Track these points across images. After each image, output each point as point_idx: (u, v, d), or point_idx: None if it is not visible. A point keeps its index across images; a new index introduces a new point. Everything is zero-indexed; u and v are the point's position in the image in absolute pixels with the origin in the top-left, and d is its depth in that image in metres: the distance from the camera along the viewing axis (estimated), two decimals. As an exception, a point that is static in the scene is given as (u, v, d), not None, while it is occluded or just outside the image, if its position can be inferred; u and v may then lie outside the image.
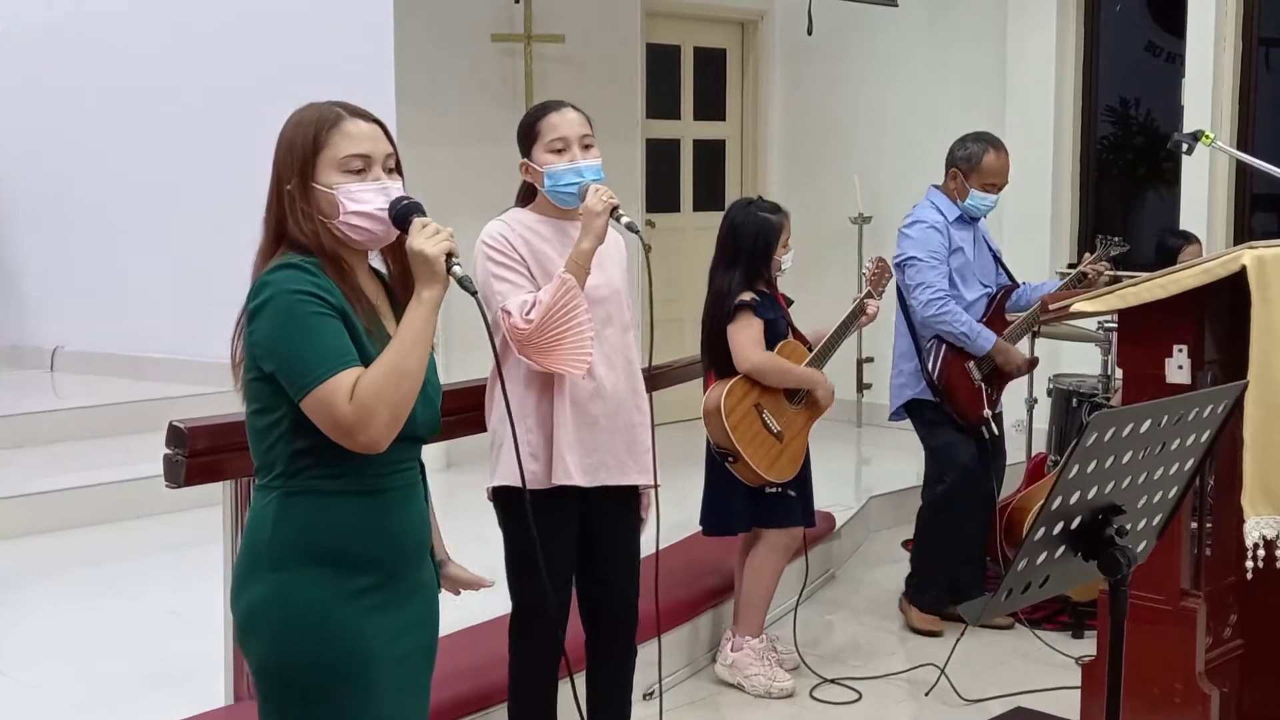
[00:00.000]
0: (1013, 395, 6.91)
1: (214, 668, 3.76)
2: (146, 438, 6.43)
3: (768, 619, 4.72)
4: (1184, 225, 6.77)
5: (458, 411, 3.91)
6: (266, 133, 7.67)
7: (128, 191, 7.54)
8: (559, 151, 3.38)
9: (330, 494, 2.30)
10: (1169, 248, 5.84)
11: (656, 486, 3.54)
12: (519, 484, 3.34)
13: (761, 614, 4.65)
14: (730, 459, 4.36)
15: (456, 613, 4.19)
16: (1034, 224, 7.43)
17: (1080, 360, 6.52)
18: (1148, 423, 2.29)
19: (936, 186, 5.12)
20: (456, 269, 2.30)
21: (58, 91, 7.72)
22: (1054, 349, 6.86)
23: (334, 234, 2.34)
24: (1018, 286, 5.20)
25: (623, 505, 3.57)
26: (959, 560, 5.12)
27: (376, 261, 2.49)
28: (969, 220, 5.07)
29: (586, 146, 3.41)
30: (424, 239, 2.27)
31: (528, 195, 3.52)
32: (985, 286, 5.08)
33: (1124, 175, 8.17)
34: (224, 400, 6.12)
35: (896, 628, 5.20)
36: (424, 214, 2.33)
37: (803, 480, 4.58)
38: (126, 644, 4.53)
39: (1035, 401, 6.07)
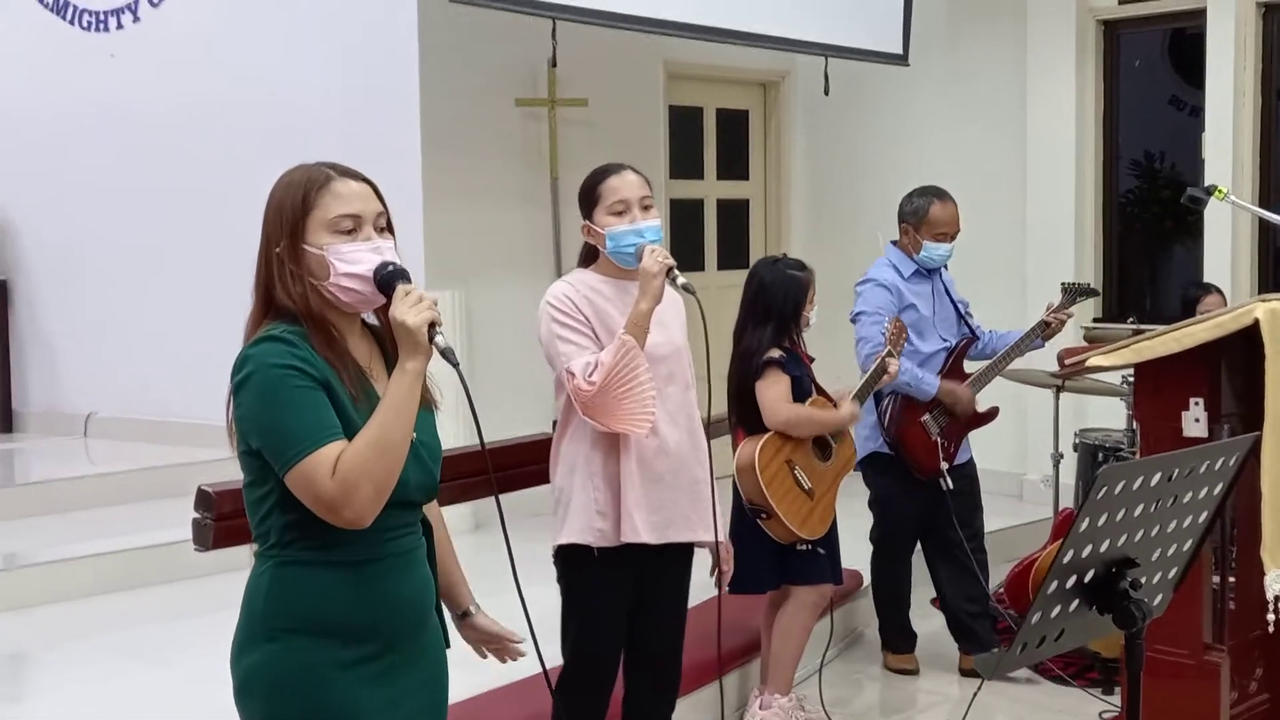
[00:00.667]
0: (1038, 451, 6.95)
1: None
2: (177, 502, 6.51)
3: (794, 678, 4.71)
4: (1208, 278, 6.77)
5: (478, 474, 3.96)
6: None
7: (153, 258, 7.64)
8: (619, 214, 3.45)
9: (322, 564, 2.29)
10: (1191, 299, 5.86)
11: (719, 543, 3.60)
12: (586, 542, 3.43)
13: (790, 672, 4.65)
14: (763, 515, 4.38)
15: (479, 674, 4.24)
16: (1056, 277, 7.38)
17: (1107, 415, 6.51)
18: (1158, 476, 2.31)
19: (894, 243, 5.21)
20: (439, 339, 2.27)
21: (85, 157, 7.84)
22: (1080, 403, 6.86)
23: (323, 296, 2.32)
24: (978, 339, 5.27)
25: (680, 561, 3.62)
26: (955, 594, 5.24)
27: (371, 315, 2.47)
28: (926, 274, 5.16)
29: (646, 208, 3.48)
30: (406, 308, 2.24)
31: (589, 256, 3.59)
32: (945, 340, 5.17)
33: (1149, 229, 8.18)
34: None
35: (925, 685, 5.19)
36: (409, 280, 2.31)
37: (830, 538, 4.59)
38: (156, 709, 4.55)
39: (1061, 457, 6.06)
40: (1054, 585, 2.27)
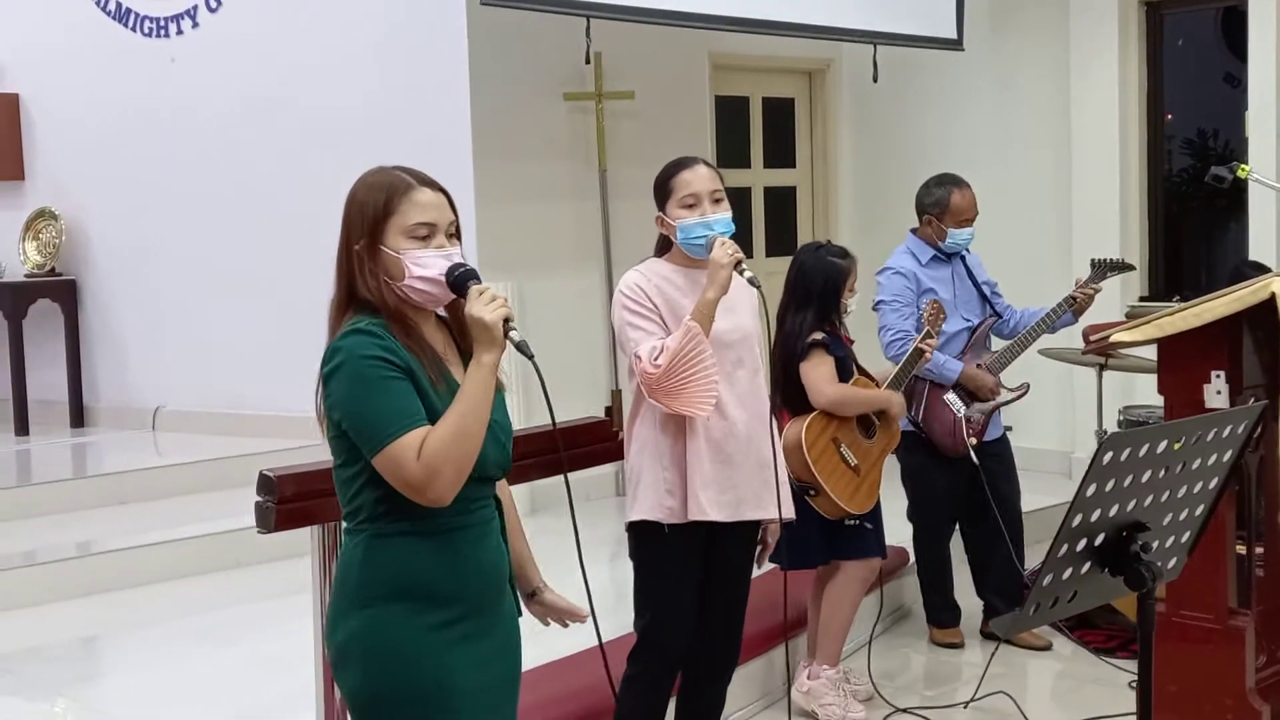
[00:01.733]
0: (1085, 429, 7.01)
1: (306, 707, 3.95)
2: (242, 492, 6.71)
3: (842, 653, 4.84)
4: (1253, 255, 6.80)
5: (533, 455, 4.12)
6: (345, 192, 7.99)
7: (219, 254, 7.83)
8: (691, 206, 3.60)
9: (411, 534, 2.47)
10: (1246, 277, 5.89)
11: (786, 520, 3.77)
12: (655, 518, 3.59)
13: (839, 644, 4.77)
14: (811, 492, 4.51)
15: (543, 647, 4.40)
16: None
17: (1152, 391, 6.55)
18: (1163, 443, 2.42)
19: (913, 232, 5.36)
20: (514, 334, 2.44)
21: (149, 158, 8.04)
22: (1127, 380, 6.92)
23: (397, 294, 2.51)
24: (1001, 317, 5.39)
25: (746, 539, 3.78)
26: (985, 579, 5.44)
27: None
28: (945, 259, 5.30)
29: (716, 200, 3.63)
30: (481, 306, 2.42)
31: (664, 246, 3.75)
32: (967, 320, 5.30)
33: (1203, 208, 8.20)
34: (314, 453, 6.38)
35: (970, 658, 5.29)
36: (479, 280, 2.49)
37: (875, 513, 4.72)
38: (225, 687, 4.73)
39: (1106, 434, 6.11)
40: (1064, 549, 2.38)
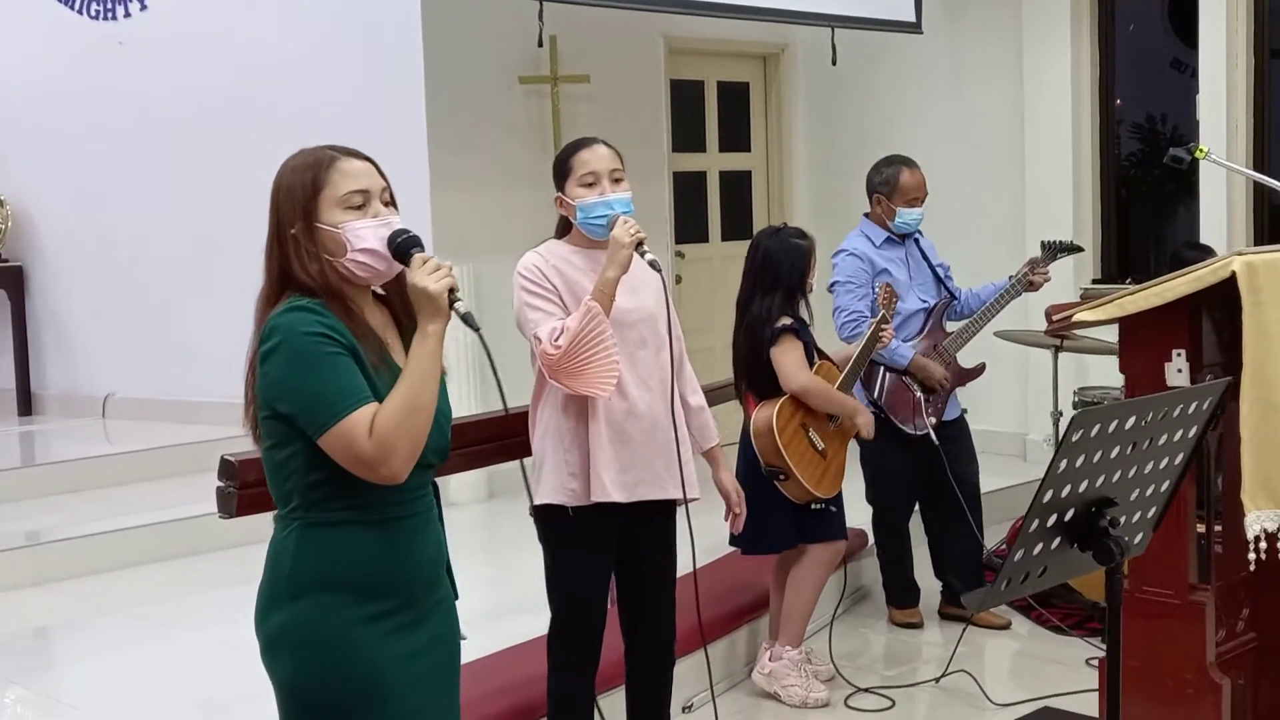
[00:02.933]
0: (1039, 410, 7.08)
1: (267, 694, 3.92)
2: (195, 479, 6.68)
3: (804, 635, 4.85)
4: (1204, 238, 6.87)
5: (490, 440, 4.12)
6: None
7: (170, 241, 7.77)
8: (590, 185, 3.56)
9: (346, 524, 2.41)
10: (1186, 261, 5.93)
11: (688, 501, 3.67)
12: (560, 502, 3.56)
13: (802, 626, 4.79)
14: (781, 476, 4.51)
15: (494, 636, 4.39)
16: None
17: (1106, 373, 6.63)
18: (1131, 419, 2.43)
19: (866, 215, 5.40)
20: (459, 305, 2.39)
21: (98, 142, 7.97)
22: (1080, 362, 6.99)
23: (339, 271, 2.43)
24: (956, 299, 5.43)
25: (661, 520, 3.73)
26: (945, 559, 5.46)
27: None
28: (899, 241, 5.34)
29: (616, 180, 3.59)
30: (425, 275, 2.37)
31: (564, 228, 3.71)
32: (923, 301, 5.34)
33: (1152, 191, 8.28)
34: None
35: (929, 638, 5.33)
36: (422, 248, 2.43)
37: (838, 496, 4.74)
38: (185, 675, 4.69)
39: (1061, 414, 6.19)
40: (1035, 524, 2.39)
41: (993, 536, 5.78)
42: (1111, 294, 3.59)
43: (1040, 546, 2.43)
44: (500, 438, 4.04)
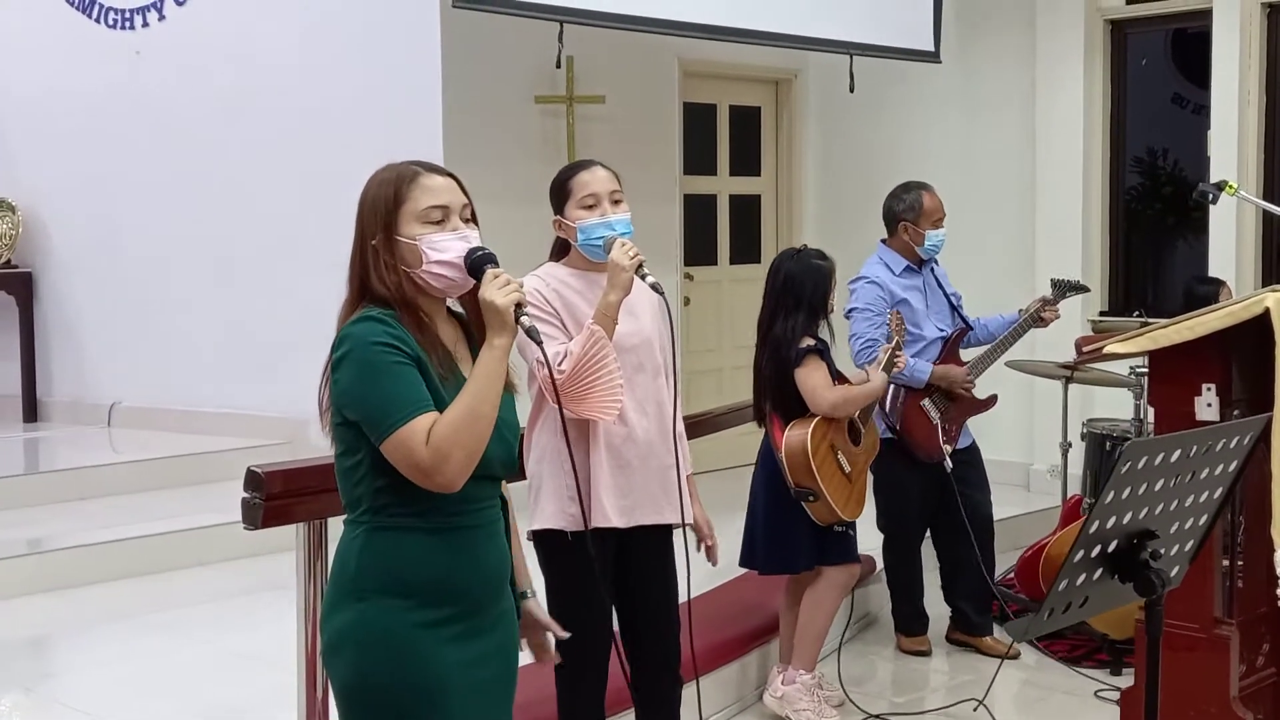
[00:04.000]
0: (1044, 441, 7.10)
1: (284, 704, 3.91)
2: (200, 489, 6.70)
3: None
4: (1213, 271, 6.89)
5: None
6: (314, 190, 8.01)
7: (180, 250, 7.77)
8: (590, 207, 3.54)
9: (411, 530, 2.45)
10: (1199, 294, 5.98)
11: (687, 525, 3.67)
12: (560, 527, 3.55)
13: (817, 648, 4.79)
14: (811, 498, 4.52)
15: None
16: (1064, 272, 7.56)
17: (1113, 405, 6.66)
18: (1177, 452, 2.45)
19: (884, 242, 5.42)
20: (524, 320, 2.44)
21: (111, 151, 7.98)
22: (1087, 394, 7.01)
23: (415, 283, 2.50)
24: (971, 329, 5.47)
25: (658, 544, 3.72)
26: (955, 586, 5.50)
27: (455, 303, 2.63)
28: (917, 269, 5.37)
29: (616, 202, 3.57)
30: (495, 290, 2.42)
31: (561, 250, 3.69)
32: (940, 330, 5.38)
33: (1153, 225, 8.32)
34: (274, 451, 6.38)
35: (937, 665, 5.34)
36: (497, 264, 2.48)
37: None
38: (195, 683, 4.69)
39: (1070, 445, 6.21)
40: (1080, 554, 2.41)
41: (1000, 565, 5.79)
42: (1121, 326, 3.61)
43: (1084, 577, 2.45)
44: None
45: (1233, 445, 2.60)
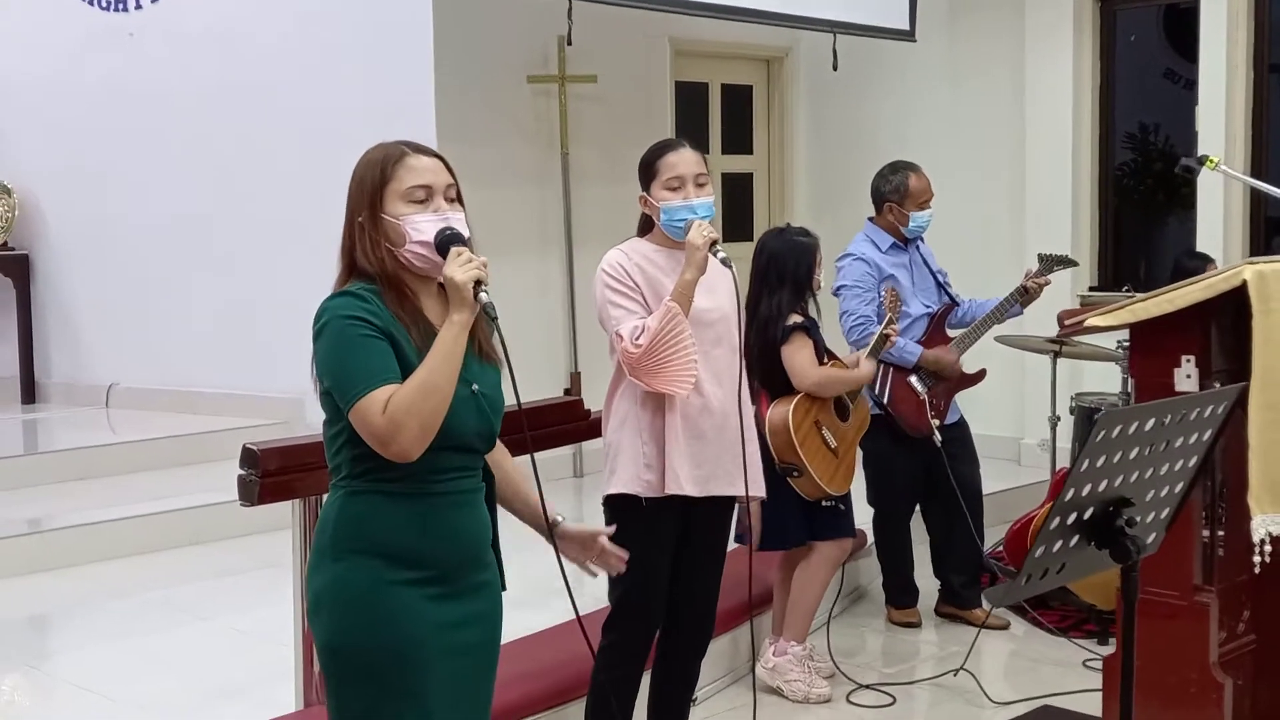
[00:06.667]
0: (1035, 415, 7.16)
1: (284, 679, 3.98)
2: (197, 469, 6.76)
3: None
4: (1201, 247, 6.95)
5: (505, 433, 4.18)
6: (308, 172, 8.05)
7: (174, 232, 7.81)
8: (675, 189, 3.65)
9: (386, 494, 2.52)
10: (1187, 269, 6.04)
11: (758, 499, 3.85)
12: (634, 491, 3.64)
13: (808, 621, 4.87)
14: (795, 473, 4.59)
15: (518, 622, 4.44)
16: (1053, 248, 7.60)
17: (1103, 379, 6.72)
18: (1151, 421, 2.51)
19: (871, 219, 5.48)
20: (483, 295, 2.49)
21: (108, 136, 8.01)
22: (1076, 368, 7.07)
23: (399, 260, 2.57)
24: (958, 305, 5.53)
25: (721, 515, 3.84)
26: (945, 559, 5.56)
27: None
28: (903, 246, 5.42)
29: (700, 185, 3.68)
30: (455, 267, 2.48)
31: (646, 226, 3.80)
32: (927, 306, 5.43)
33: (1144, 200, 8.38)
34: (270, 431, 6.44)
35: (927, 637, 5.41)
36: (464, 244, 2.54)
37: (846, 494, 4.81)
38: (197, 659, 4.76)
39: (1058, 420, 6.26)
40: (1056, 521, 2.47)
41: (989, 539, 5.85)
42: (1110, 301, 3.66)
43: (1060, 544, 2.50)
44: (510, 432, 4.09)
45: (1206, 414, 2.66)
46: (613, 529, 2.95)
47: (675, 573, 3.82)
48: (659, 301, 3.61)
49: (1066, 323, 3.73)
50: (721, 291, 3.74)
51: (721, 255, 3.59)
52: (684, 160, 3.68)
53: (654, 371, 3.56)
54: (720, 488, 3.75)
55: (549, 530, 2.83)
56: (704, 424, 3.69)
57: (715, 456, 3.72)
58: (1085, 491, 2.47)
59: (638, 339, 3.54)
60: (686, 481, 3.65)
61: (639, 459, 3.67)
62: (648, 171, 3.72)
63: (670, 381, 3.57)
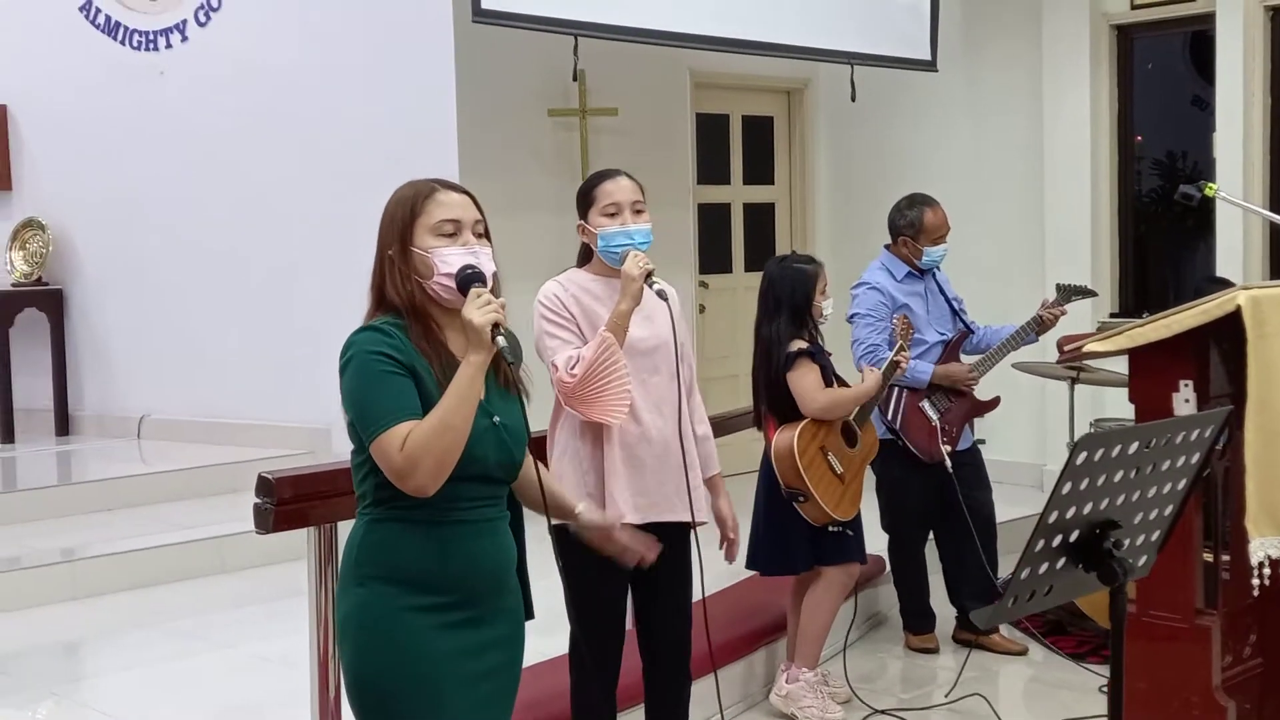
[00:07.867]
0: (1057, 441, 7.17)
1: (302, 705, 4.04)
2: (226, 499, 6.84)
3: (820, 657, 4.95)
4: (1220, 273, 6.97)
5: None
6: (334, 205, 8.15)
7: (203, 263, 7.93)
8: (612, 215, 3.70)
9: (408, 522, 2.60)
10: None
11: (698, 524, 3.79)
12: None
13: (818, 647, 4.89)
14: (801, 499, 4.63)
15: (547, 645, 4.47)
16: (1073, 276, 7.59)
17: (1123, 404, 6.70)
18: (1135, 445, 2.54)
19: (887, 248, 5.52)
20: (500, 340, 2.55)
21: (137, 170, 8.14)
22: (1096, 394, 7.08)
23: (427, 293, 2.64)
24: (973, 332, 5.56)
25: (675, 542, 3.80)
26: (959, 585, 5.56)
27: None
28: (919, 275, 5.47)
29: (638, 211, 3.72)
30: (474, 309, 2.53)
31: (585, 256, 3.85)
32: (941, 334, 5.48)
33: (1172, 227, 8.37)
34: (297, 460, 6.51)
35: (944, 662, 5.43)
36: (484, 284, 2.60)
37: (856, 520, 4.85)
38: (221, 687, 4.82)
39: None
40: (1040, 544, 2.51)
41: (1007, 565, 5.84)
42: (1110, 327, 3.70)
43: (1046, 566, 2.54)
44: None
45: (1194, 437, 2.69)
46: (626, 518, 3.00)
47: (639, 605, 3.85)
48: (595, 331, 3.64)
49: (1066, 349, 3.78)
50: (661, 320, 3.77)
51: (657, 287, 3.64)
52: (621, 188, 3.72)
53: (589, 400, 3.59)
54: (661, 514, 3.74)
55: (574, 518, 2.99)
56: (642, 452, 3.71)
57: (658, 484, 3.73)
58: (1070, 514, 2.51)
59: (572, 368, 3.57)
60: (628, 509, 3.65)
61: (581, 489, 3.67)
62: (585, 200, 3.77)
63: (605, 410, 3.60)
